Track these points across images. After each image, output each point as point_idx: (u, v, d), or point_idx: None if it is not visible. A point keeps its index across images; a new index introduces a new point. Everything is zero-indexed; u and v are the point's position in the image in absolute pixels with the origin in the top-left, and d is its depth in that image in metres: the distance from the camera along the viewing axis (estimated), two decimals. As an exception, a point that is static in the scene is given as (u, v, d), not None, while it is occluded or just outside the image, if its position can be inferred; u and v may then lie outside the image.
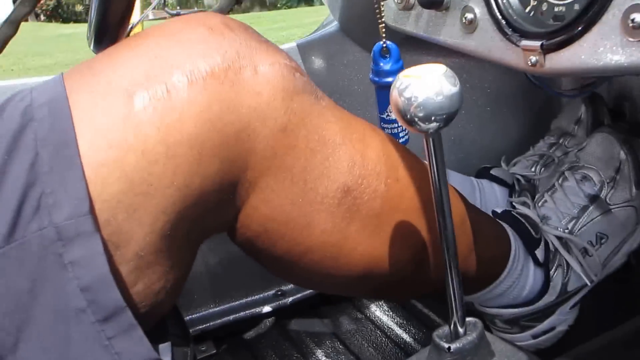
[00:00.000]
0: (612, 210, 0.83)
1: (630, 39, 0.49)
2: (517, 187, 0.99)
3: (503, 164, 1.05)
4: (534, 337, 0.83)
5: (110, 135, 0.47)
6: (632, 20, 0.48)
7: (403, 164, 0.62)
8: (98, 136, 0.47)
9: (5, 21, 1.28)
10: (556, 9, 0.59)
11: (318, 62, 1.19)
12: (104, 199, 0.46)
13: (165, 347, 0.54)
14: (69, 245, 0.45)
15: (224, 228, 0.58)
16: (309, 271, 0.61)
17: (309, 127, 0.55)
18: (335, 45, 1.19)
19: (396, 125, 0.83)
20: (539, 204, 0.86)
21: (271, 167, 0.54)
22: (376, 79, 0.83)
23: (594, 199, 0.83)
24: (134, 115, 0.47)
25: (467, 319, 0.58)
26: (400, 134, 0.83)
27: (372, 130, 0.62)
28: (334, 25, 1.22)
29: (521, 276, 0.78)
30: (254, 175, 0.53)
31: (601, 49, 0.52)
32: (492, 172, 1.02)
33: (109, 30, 0.64)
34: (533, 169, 0.99)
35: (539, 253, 0.79)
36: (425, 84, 0.46)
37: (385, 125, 0.84)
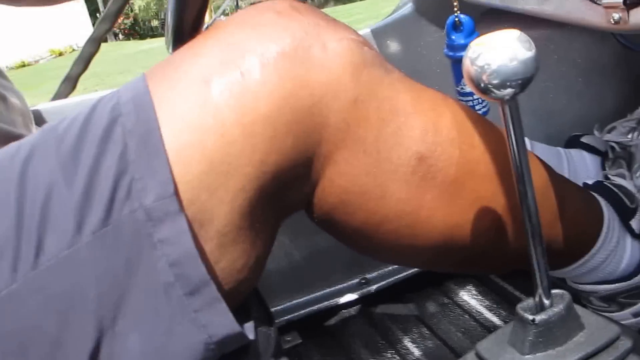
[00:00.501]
0: None
1: None
2: (610, 155, 0.92)
3: (596, 132, 0.99)
4: (635, 315, 0.78)
5: (190, 120, 0.51)
6: None
7: (478, 130, 0.60)
8: (179, 122, 0.51)
9: (89, 40, 1.33)
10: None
11: (394, 46, 1.17)
12: (187, 180, 0.50)
13: (249, 327, 0.55)
14: (158, 225, 0.49)
15: (302, 204, 0.59)
16: (387, 242, 0.61)
17: (379, 99, 0.55)
18: (410, 28, 1.17)
19: (472, 97, 0.81)
20: (637, 174, 0.80)
21: (344, 139, 0.55)
22: (450, 53, 0.83)
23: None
24: (211, 100, 0.51)
25: (554, 291, 0.55)
26: (477, 107, 0.80)
27: (444, 99, 0.61)
28: (408, 7, 1.21)
29: (617, 249, 0.73)
30: (328, 148, 0.55)
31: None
32: (583, 139, 0.96)
33: (186, 32, 0.67)
34: (630, 136, 0.92)
35: (635, 224, 0.74)
36: (498, 50, 0.45)
37: (462, 98, 0.82)
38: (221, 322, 0.50)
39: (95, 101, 0.54)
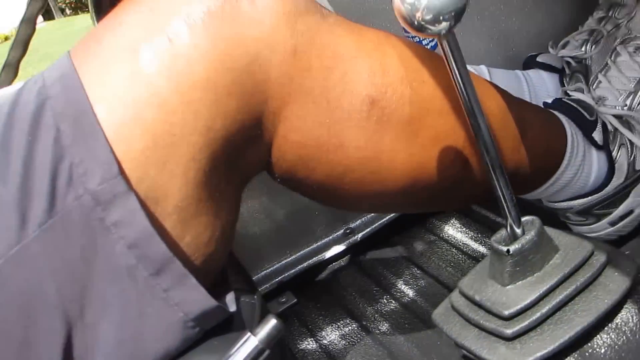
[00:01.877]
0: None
1: None
2: (567, 71, 0.92)
3: (551, 49, 0.98)
4: (612, 224, 0.79)
5: (124, 95, 0.48)
6: None
7: (427, 65, 0.59)
8: (112, 99, 0.48)
9: (22, 21, 1.28)
10: None
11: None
12: (131, 157, 0.48)
13: (230, 299, 0.54)
14: (108, 208, 0.47)
15: (261, 167, 0.58)
16: (356, 192, 0.60)
17: (319, 46, 0.54)
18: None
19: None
20: (593, 86, 0.80)
21: (290, 93, 0.53)
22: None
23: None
24: (142, 71, 0.49)
25: (524, 218, 0.56)
26: (424, 41, 0.79)
27: (387, 37, 0.59)
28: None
29: (584, 163, 0.74)
30: (275, 105, 0.53)
31: None
32: (539, 59, 0.96)
33: (105, 2, 0.65)
34: (583, 48, 0.92)
35: (597, 135, 0.74)
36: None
37: (408, 35, 0.81)
38: (194, 298, 0.49)
39: (19, 87, 0.51)
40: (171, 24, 0.49)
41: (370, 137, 0.57)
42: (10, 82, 1.39)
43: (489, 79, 0.84)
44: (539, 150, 0.69)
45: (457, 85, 0.51)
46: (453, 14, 0.45)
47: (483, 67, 0.93)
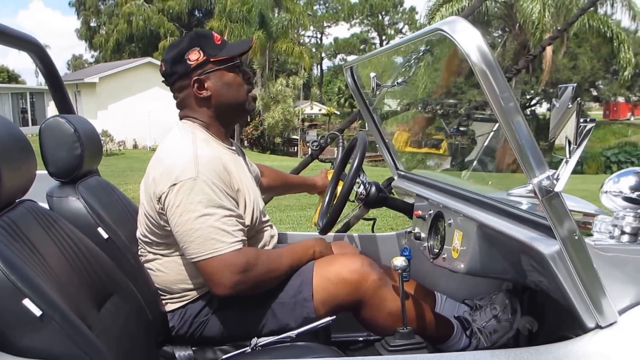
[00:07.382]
0: (501, 321, 2.13)
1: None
2: (474, 307, 2.28)
3: (474, 299, 2.35)
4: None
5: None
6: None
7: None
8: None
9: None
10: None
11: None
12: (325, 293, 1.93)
13: None
14: None
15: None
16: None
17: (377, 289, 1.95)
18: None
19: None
20: (475, 314, 2.18)
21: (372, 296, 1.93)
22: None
23: (495, 316, 2.14)
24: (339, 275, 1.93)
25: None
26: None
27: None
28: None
29: (459, 340, 2.09)
30: (362, 295, 1.94)
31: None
32: (466, 301, 2.34)
33: (334, 221, 2.13)
34: (481, 302, 2.29)
35: (467, 332, 2.10)
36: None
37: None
38: None
39: None
40: (348, 267, 1.92)
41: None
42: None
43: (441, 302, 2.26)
44: (439, 328, 2.07)
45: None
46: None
47: (444, 296, 2.32)
